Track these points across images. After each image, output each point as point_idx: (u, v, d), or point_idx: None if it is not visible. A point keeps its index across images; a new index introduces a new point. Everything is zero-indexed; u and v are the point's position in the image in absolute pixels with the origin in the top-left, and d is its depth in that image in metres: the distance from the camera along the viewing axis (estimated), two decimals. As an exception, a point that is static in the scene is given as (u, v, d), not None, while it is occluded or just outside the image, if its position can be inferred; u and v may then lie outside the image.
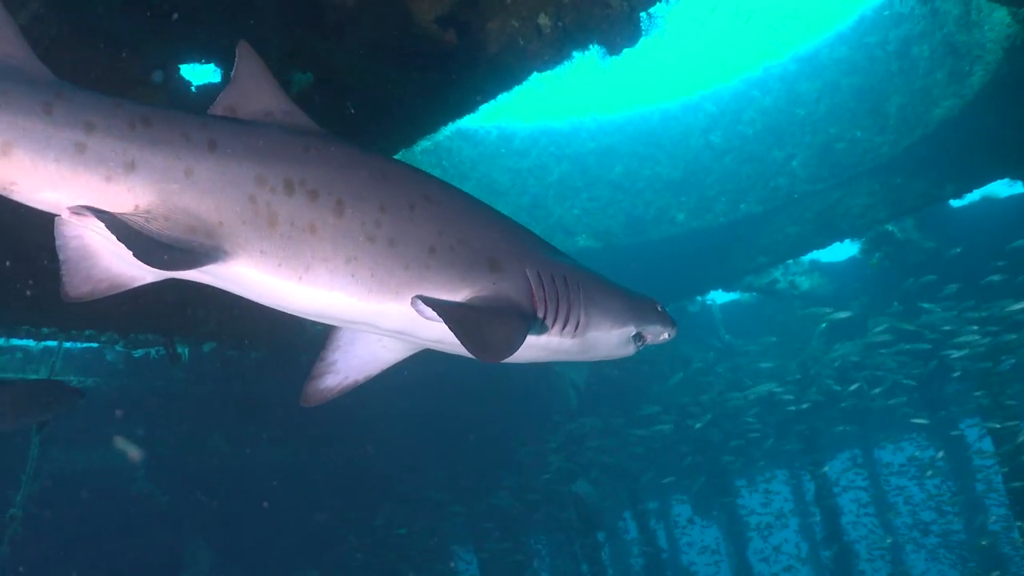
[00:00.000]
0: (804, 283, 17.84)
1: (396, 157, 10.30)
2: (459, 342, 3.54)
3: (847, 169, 14.14)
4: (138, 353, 10.96)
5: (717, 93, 15.32)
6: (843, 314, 16.42)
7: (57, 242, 3.31)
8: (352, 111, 7.93)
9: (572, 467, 19.23)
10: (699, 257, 15.53)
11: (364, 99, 8.00)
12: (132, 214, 3.17)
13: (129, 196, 3.18)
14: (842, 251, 17.10)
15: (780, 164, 14.70)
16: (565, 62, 8.29)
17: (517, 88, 9.13)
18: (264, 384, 14.77)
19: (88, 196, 3.15)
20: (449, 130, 13.48)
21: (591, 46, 8.10)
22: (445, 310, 3.50)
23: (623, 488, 21.80)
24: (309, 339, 11.43)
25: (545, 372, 18.50)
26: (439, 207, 3.72)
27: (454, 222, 3.75)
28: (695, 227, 15.09)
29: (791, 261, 17.03)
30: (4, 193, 3.14)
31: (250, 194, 3.33)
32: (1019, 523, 15.53)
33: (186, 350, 13.22)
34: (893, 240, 16.07)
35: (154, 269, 3.22)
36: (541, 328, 3.92)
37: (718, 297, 19.72)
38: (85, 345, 14.56)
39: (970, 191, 14.11)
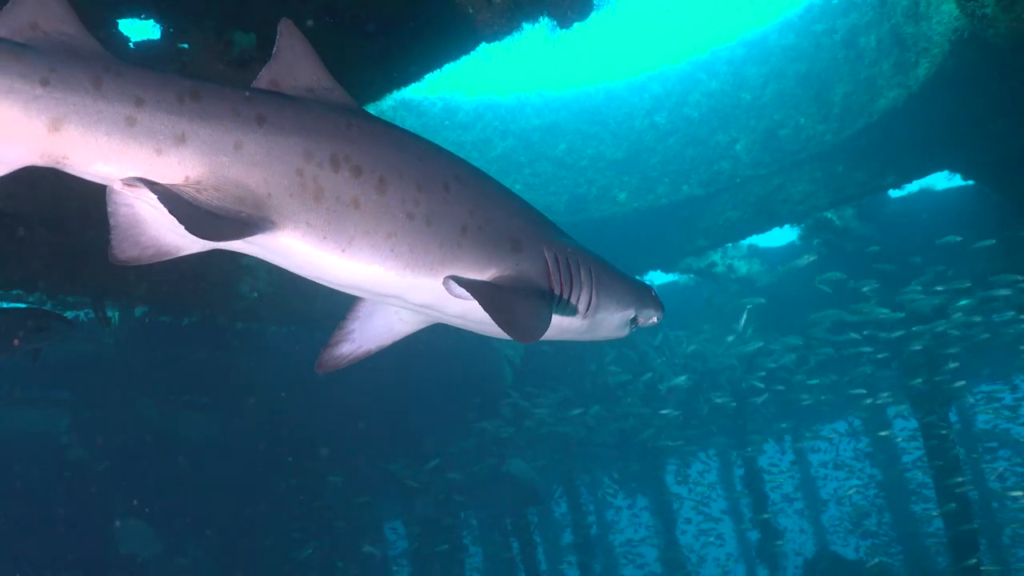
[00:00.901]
0: (742, 267, 17.91)
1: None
2: (482, 320, 3.84)
3: (790, 155, 14.20)
4: (68, 316, 10.68)
5: (664, 74, 15.26)
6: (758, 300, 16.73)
7: (108, 209, 3.34)
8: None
9: (507, 444, 19.24)
10: (639, 237, 15.51)
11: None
12: (183, 185, 3.25)
13: (179, 168, 3.25)
14: (781, 237, 17.22)
15: (724, 148, 14.72)
16: (515, 33, 8.16)
17: (464, 58, 9.00)
18: (198, 351, 14.54)
19: (139, 168, 3.22)
20: (393, 99, 13.33)
21: (541, 18, 7.98)
22: (481, 291, 3.71)
23: (558, 466, 21.85)
24: (246, 307, 11.25)
25: (481, 346, 18.42)
26: (469, 188, 3.87)
27: (482, 203, 3.90)
28: (637, 207, 15.07)
29: (730, 245, 17.09)
30: (57, 166, 3.18)
31: (298, 168, 3.41)
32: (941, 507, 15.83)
33: (116, 314, 12.97)
34: (832, 227, 16.18)
35: (202, 240, 3.32)
36: (556, 308, 4.12)
37: (657, 278, 19.77)
38: (11, 305, 14.22)
39: (910, 182, 14.24)
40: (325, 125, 3.54)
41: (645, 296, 4.60)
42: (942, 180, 15.29)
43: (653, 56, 16.08)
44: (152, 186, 3.18)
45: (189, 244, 3.45)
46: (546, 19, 7.96)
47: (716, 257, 17.66)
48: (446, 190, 3.76)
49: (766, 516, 19.04)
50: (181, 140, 3.24)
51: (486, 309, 3.67)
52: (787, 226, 15.76)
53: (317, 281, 3.73)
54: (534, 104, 15.52)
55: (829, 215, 15.85)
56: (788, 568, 21.29)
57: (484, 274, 3.85)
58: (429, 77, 9.29)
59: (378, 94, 9.17)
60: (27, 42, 3.13)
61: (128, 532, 15.52)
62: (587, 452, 22.31)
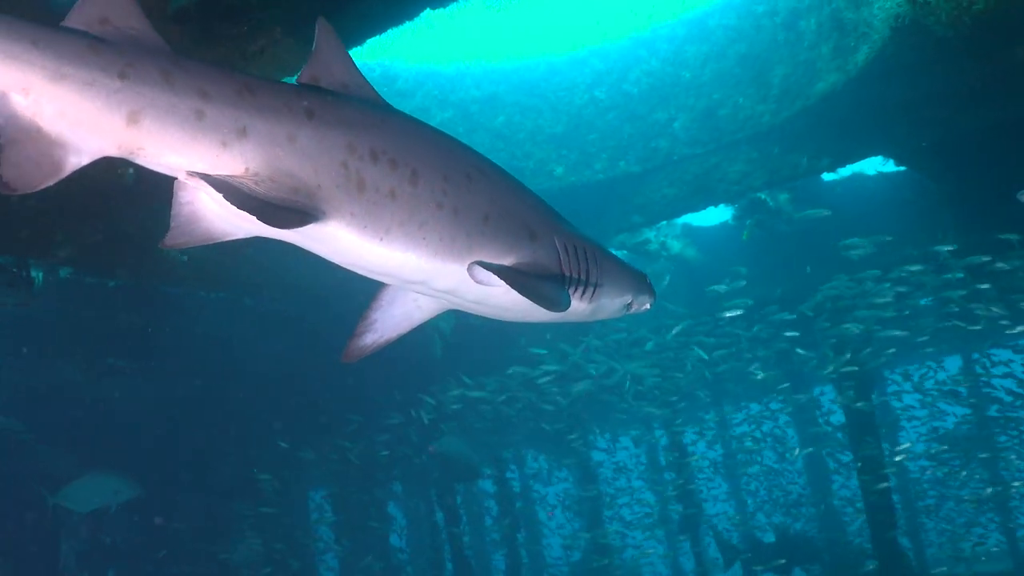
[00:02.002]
0: (675, 246, 17.99)
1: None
2: (497, 305, 4.25)
3: (727, 135, 14.27)
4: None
5: (605, 50, 15.25)
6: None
7: (173, 207, 3.50)
8: (235, 32, 7.55)
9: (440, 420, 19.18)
10: (575, 212, 15.41)
11: (248, 21, 7.62)
12: (243, 177, 3.40)
13: (241, 160, 3.39)
14: (715, 216, 17.33)
15: (662, 125, 14.75)
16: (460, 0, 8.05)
17: (408, 24, 8.86)
18: (125, 314, 14.25)
19: (205, 160, 3.36)
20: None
21: (487, -17, 7.87)
22: (509, 275, 3.97)
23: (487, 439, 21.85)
24: (174, 271, 11.03)
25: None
26: (489, 179, 4.11)
27: (501, 193, 4.15)
28: (573, 182, 15.05)
29: (665, 223, 17.14)
30: (130, 157, 3.30)
31: (343, 160, 3.59)
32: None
33: (40, 274, 12.62)
34: (765, 208, 16.30)
35: (254, 228, 3.55)
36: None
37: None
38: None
39: (845, 166, 14.38)
40: (364, 119, 3.73)
41: (641, 283, 4.90)
42: (876, 165, 15.47)
43: (596, 32, 16.02)
44: (217, 183, 3.33)
45: (236, 231, 3.64)
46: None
47: (650, 234, 17.71)
48: (469, 181, 3.98)
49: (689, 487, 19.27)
50: (243, 133, 3.38)
51: (516, 288, 3.93)
52: (721, 205, 15.84)
53: (351, 268, 3.93)
54: (474, 75, 15.40)
55: (763, 196, 15.96)
56: (711, 543, 21.52)
57: (505, 260, 4.08)
58: (371, 42, 9.14)
59: (316, 56, 8.96)
60: (102, 35, 3.22)
61: (83, 489, 15.04)
62: (514, 429, 22.34)
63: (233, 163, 3.39)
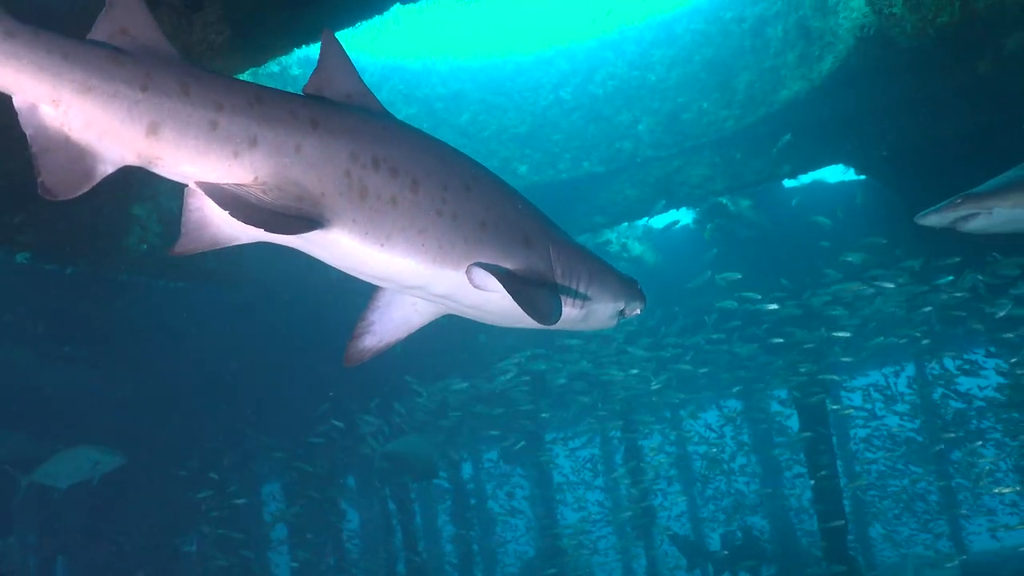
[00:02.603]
0: (636, 248, 18.07)
1: (242, 77, 9.85)
2: (494, 311, 4.35)
3: (691, 139, 14.34)
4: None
5: (572, 50, 15.26)
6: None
7: (183, 214, 3.65)
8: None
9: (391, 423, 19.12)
10: (538, 211, 15.45)
11: (218, 13, 7.57)
12: (252, 185, 3.51)
13: (250, 169, 3.51)
14: (675, 217, 17.42)
15: (626, 127, 14.78)
16: (431, -4, 8.05)
17: (377, 18, 8.85)
18: (81, 302, 14.09)
19: (217, 169, 3.47)
20: (298, 56, 13.03)
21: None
22: (507, 279, 4.08)
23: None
24: (132, 260, 10.91)
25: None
26: (486, 187, 4.25)
27: (498, 201, 4.27)
28: (536, 181, 15.04)
29: (626, 224, 17.21)
30: (148, 166, 3.42)
31: (346, 169, 3.71)
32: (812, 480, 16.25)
33: (-8, 258, 12.42)
34: (726, 212, 16.42)
35: (260, 234, 3.62)
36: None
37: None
38: None
39: (806, 173, 14.51)
40: (366, 129, 3.87)
41: (632, 290, 5.03)
42: (836, 173, 15.61)
43: (563, 32, 16.02)
44: (223, 199, 3.44)
45: (243, 236, 3.74)
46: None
47: (611, 235, 17.78)
48: (467, 189, 4.10)
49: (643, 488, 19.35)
50: (253, 143, 3.50)
51: (512, 294, 4.02)
52: (683, 208, 15.93)
53: (352, 273, 4.06)
54: (440, 72, 15.35)
55: (724, 200, 16.07)
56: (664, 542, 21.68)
57: (501, 267, 4.18)
58: (339, 35, 9.08)
59: (285, 48, 8.95)
60: (121, 47, 3.32)
61: (61, 464, 14.75)
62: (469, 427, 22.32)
63: (243, 172, 3.49)
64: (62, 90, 3.12)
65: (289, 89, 13.62)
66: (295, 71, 13.85)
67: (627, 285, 5.00)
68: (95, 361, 15.96)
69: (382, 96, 14.68)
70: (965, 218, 7.27)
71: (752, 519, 25.62)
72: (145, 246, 11.10)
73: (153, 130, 3.29)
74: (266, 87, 3.71)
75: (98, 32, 3.34)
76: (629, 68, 14.77)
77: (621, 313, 5.02)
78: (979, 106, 11.81)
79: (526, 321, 4.39)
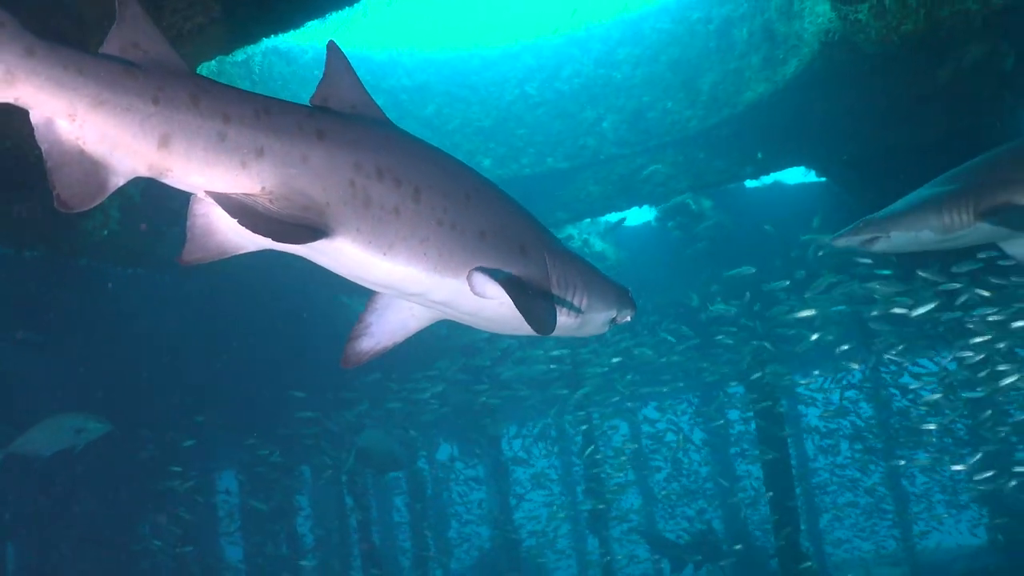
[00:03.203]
0: (597, 244, 18.14)
1: (209, 65, 9.79)
2: (490, 317, 4.45)
3: (654, 137, 14.40)
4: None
5: (539, 46, 15.26)
6: None
7: (188, 219, 3.75)
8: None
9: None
10: (501, 206, 15.45)
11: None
12: (259, 195, 3.58)
13: (258, 179, 3.58)
14: (638, 216, 17.50)
15: (591, 124, 14.83)
16: (401, -10, 8.04)
17: (348, 9, 8.83)
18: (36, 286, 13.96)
19: (225, 179, 3.54)
20: (264, 45, 12.95)
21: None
22: (512, 285, 4.18)
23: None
24: (92, 245, 10.81)
25: (327, 300, 18.17)
26: (485, 197, 4.35)
27: (496, 211, 4.39)
28: (500, 175, 15.03)
29: (588, 220, 17.26)
30: (158, 177, 3.48)
31: (351, 179, 3.79)
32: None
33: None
34: (687, 211, 16.53)
35: (266, 241, 3.71)
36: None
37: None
38: None
39: (767, 174, 14.62)
40: (370, 139, 3.96)
41: (624, 297, 5.13)
42: (797, 175, 15.75)
43: (531, 28, 16.00)
44: (232, 207, 3.51)
45: (249, 244, 3.85)
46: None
47: (574, 231, 17.83)
48: (468, 199, 4.22)
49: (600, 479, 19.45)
50: (261, 154, 3.57)
51: (514, 300, 4.12)
52: (646, 206, 15.99)
53: (354, 280, 4.14)
54: (406, 64, 15.29)
55: (687, 199, 16.17)
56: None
57: (503, 272, 4.28)
58: (308, 26, 9.08)
59: (254, 37, 8.90)
60: (132, 61, 3.39)
61: (42, 434, 14.47)
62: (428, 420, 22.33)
63: (250, 182, 3.57)
64: (78, 104, 3.18)
65: (251, 75, 13.58)
66: (259, 58, 13.79)
67: (620, 293, 5.11)
68: (50, 346, 15.81)
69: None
70: (869, 241, 7.79)
71: (708, 514, 25.89)
72: (106, 232, 11.01)
73: (164, 142, 3.35)
74: (273, 98, 3.76)
75: (110, 47, 3.39)
76: (595, 66, 14.81)
77: (613, 320, 5.13)
78: (939, 114, 11.96)
79: (522, 328, 4.49)
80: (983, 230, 7.45)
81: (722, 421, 24.50)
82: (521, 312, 4.15)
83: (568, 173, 15.01)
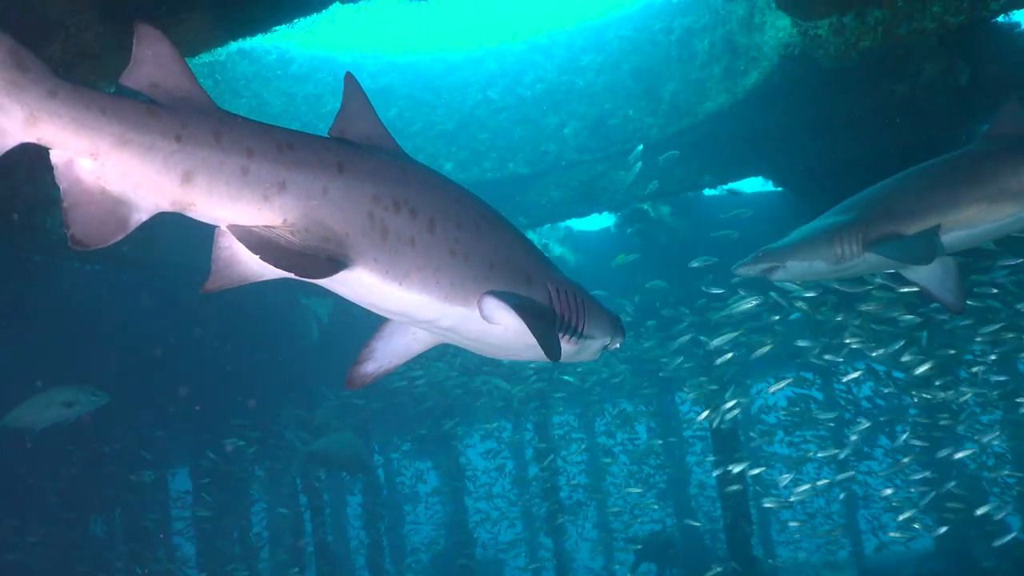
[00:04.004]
0: (557, 249, 18.27)
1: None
2: (495, 344, 4.52)
3: (616, 144, 14.49)
4: None
5: (502, 51, 15.31)
6: None
7: (213, 251, 3.78)
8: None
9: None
10: (462, 209, 15.49)
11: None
12: (281, 228, 3.65)
13: (280, 212, 3.64)
14: (597, 222, 17.65)
15: (553, 130, 14.90)
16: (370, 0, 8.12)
17: (315, 16, 8.88)
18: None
19: (248, 213, 3.60)
20: (232, 48, 12.90)
21: (400, -12, 7.96)
22: (527, 311, 4.26)
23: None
24: (50, 241, 10.77)
25: (288, 301, 18.17)
26: (494, 227, 4.46)
27: (503, 241, 4.49)
28: (462, 179, 15.07)
29: (548, 225, 17.37)
30: (181, 211, 3.54)
31: (369, 210, 3.87)
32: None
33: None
34: (646, 218, 16.68)
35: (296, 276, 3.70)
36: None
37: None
38: None
39: (725, 183, 14.80)
40: (387, 171, 4.03)
41: (617, 326, 5.27)
42: (755, 184, 15.95)
43: (495, 34, 16.07)
44: (254, 243, 3.57)
45: (269, 272, 3.85)
46: (405, -10, 7.95)
47: (533, 236, 17.94)
48: (478, 229, 4.30)
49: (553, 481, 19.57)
50: (283, 187, 3.62)
51: (530, 327, 4.21)
52: (605, 212, 16.13)
53: (368, 307, 4.23)
54: (370, 67, 15.30)
55: (645, 206, 16.31)
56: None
57: (516, 296, 4.38)
58: (275, 31, 9.13)
59: (220, 41, 8.93)
60: (155, 98, 3.44)
61: (32, 408, 14.19)
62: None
63: (272, 215, 3.62)
64: (100, 144, 3.22)
65: (215, 74, 13.54)
66: (222, 57, 13.77)
67: (614, 322, 5.23)
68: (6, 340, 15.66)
69: (308, 88, 14.75)
70: (768, 270, 8.02)
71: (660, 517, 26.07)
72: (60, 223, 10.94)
73: (187, 179, 3.40)
74: (294, 132, 3.81)
75: (134, 81, 3.46)
76: (558, 72, 14.88)
77: (606, 347, 5.25)
78: (895, 127, 12.20)
79: (522, 354, 4.66)
80: (872, 260, 7.66)
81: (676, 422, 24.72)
82: (537, 338, 4.23)
83: (530, 178, 15.08)
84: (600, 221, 17.26)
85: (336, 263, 3.72)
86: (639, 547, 20.86)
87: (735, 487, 16.40)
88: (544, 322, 4.44)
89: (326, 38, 15.23)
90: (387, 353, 4.79)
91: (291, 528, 22.72)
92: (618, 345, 5.34)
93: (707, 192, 16.37)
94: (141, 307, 15.44)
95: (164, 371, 17.36)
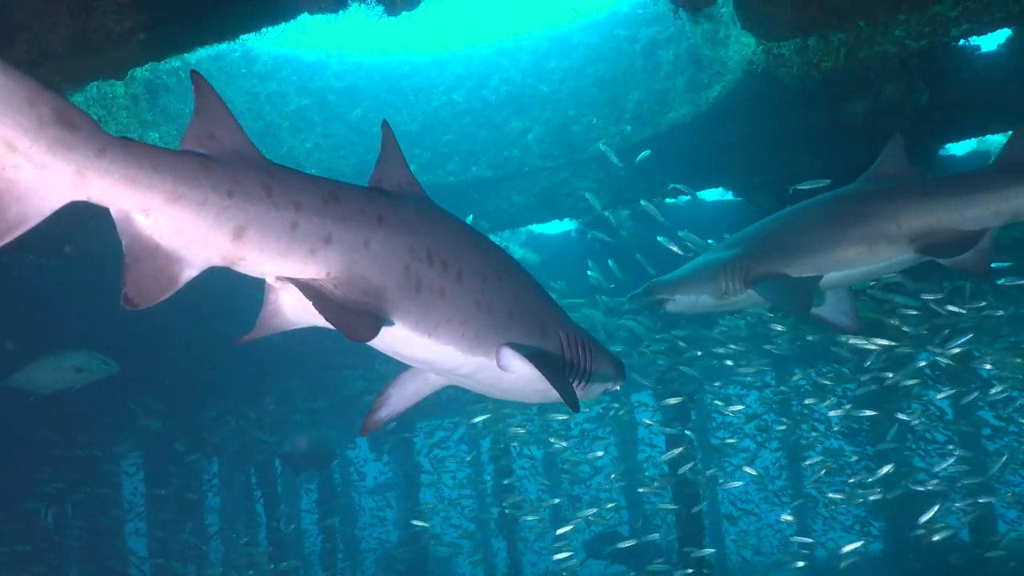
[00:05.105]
0: (517, 252, 18.29)
1: (142, 71, 9.70)
2: (506, 389, 4.63)
3: (578, 151, 14.56)
4: None
5: (468, 55, 15.31)
6: None
7: (264, 307, 3.86)
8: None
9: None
10: (425, 212, 15.50)
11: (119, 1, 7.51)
12: (324, 281, 3.70)
13: (324, 266, 3.69)
14: (558, 225, 17.68)
15: (516, 135, 14.93)
16: (341, 12, 8.13)
17: (283, 24, 8.88)
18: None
19: (296, 266, 3.65)
20: (201, 53, 12.82)
21: (372, 1, 7.97)
22: (544, 364, 4.37)
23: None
24: (28, 241, 10.65)
25: (250, 297, 18.02)
26: (513, 277, 4.60)
27: (521, 291, 4.61)
28: (424, 181, 14.85)
29: (509, 231, 17.39)
30: (231, 265, 3.56)
31: (406, 263, 3.95)
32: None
33: None
34: (607, 225, 16.73)
35: (323, 321, 3.74)
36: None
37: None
38: None
39: (686, 195, 14.92)
40: (420, 222, 4.14)
41: (620, 369, 5.41)
42: (716, 194, 16.08)
43: (461, 37, 16.07)
44: (310, 292, 3.62)
45: (304, 323, 3.95)
46: (376, 4, 7.96)
47: (496, 239, 17.95)
48: (500, 280, 4.44)
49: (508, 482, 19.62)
50: (328, 241, 3.68)
51: (550, 378, 4.32)
52: (567, 219, 16.18)
53: (392, 355, 4.28)
54: (335, 67, 15.24)
55: (607, 213, 16.37)
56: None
57: (534, 349, 4.49)
58: (243, 39, 9.13)
59: (188, 47, 8.92)
60: (208, 153, 3.45)
61: (42, 370, 13.89)
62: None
63: (317, 269, 3.67)
64: (152, 200, 3.20)
65: (179, 71, 13.42)
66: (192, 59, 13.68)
67: (617, 367, 5.36)
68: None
69: (272, 86, 14.68)
70: (660, 302, 8.25)
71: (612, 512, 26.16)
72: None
73: (239, 234, 3.42)
74: (336, 182, 3.89)
75: (188, 138, 3.45)
76: (523, 76, 14.91)
77: (607, 390, 5.41)
78: (856, 145, 12.36)
79: (530, 398, 4.78)
80: (755, 297, 7.81)
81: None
82: (556, 390, 4.32)
83: (492, 183, 15.11)
84: (560, 225, 17.27)
85: (377, 320, 3.76)
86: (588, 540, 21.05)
87: (687, 488, 16.49)
88: (560, 373, 4.56)
89: (291, 37, 15.18)
90: (400, 399, 4.91)
91: (244, 518, 22.65)
92: (619, 387, 5.49)
93: (668, 200, 16.45)
94: (89, 301, 15.31)
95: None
